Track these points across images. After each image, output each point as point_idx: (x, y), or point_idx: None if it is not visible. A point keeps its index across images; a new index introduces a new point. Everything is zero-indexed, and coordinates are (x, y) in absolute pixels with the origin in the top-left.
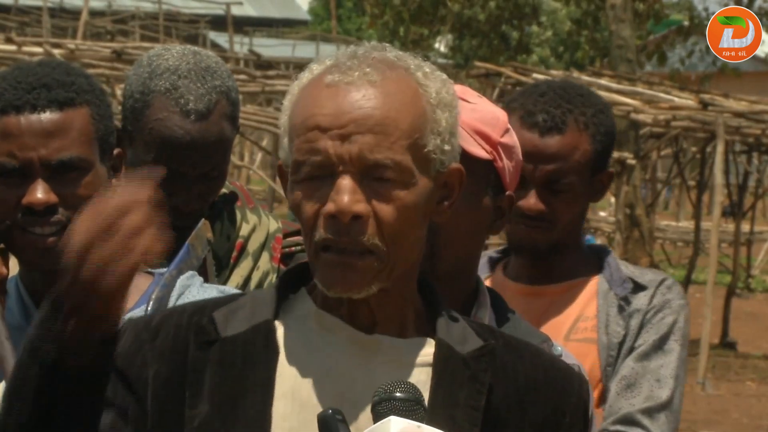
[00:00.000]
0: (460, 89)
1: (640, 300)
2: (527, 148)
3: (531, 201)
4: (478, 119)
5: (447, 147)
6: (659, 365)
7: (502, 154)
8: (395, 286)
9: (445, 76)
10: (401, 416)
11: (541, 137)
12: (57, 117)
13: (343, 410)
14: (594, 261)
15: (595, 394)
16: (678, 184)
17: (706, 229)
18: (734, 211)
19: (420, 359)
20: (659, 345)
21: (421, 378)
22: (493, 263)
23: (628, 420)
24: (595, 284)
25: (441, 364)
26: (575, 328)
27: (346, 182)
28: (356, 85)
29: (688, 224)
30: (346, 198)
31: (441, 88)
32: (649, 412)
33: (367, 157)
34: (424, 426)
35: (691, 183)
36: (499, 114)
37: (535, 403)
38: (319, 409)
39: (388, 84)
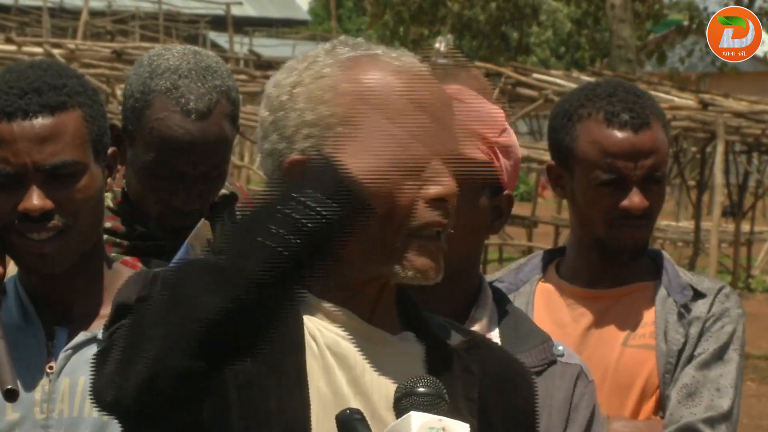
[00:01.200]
0: (456, 89)
1: (700, 308)
2: (625, 147)
3: (636, 199)
4: (474, 119)
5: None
6: (719, 374)
7: (500, 154)
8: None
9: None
10: (423, 411)
11: (636, 134)
12: (49, 122)
13: (358, 398)
14: (651, 266)
15: (651, 402)
16: (678, 184)
17: (706, 229)
18: (734, 211)
19: (414, 352)
20: (719, 354)
21: (416, 371)
22: (543, 265)
23: (690, 429)
24: (653, 290)
25: (434, 355)
26: (633, 335)
27: (441, 165)
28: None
29: (688, 224)
30: (449, 180)
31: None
32: (711, 422)
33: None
34: (445, 419)
35: (691, 183)
36: (496, 113)
37: (511, 392)
38: (339, 397)
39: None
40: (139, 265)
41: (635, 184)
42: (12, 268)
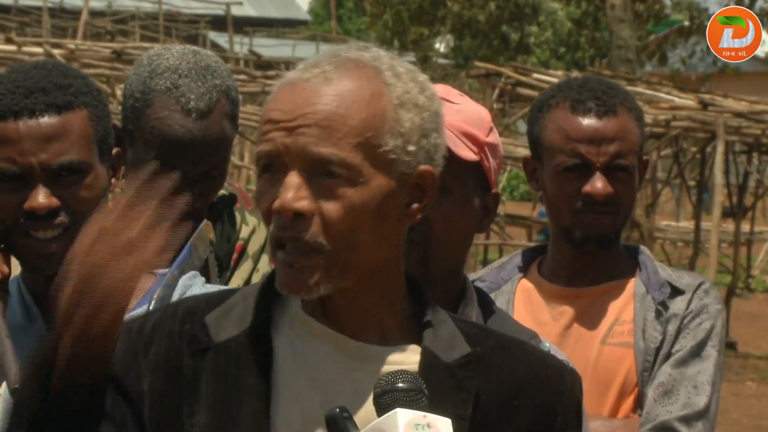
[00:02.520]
0: (442, 89)
1: (678, 305)
2: (587, 133)
3: (598, 185)
4: (463, 120)
5: (412, 148)
6: (696, 371)
7: (488, 154)
8: (366, 288)
9: (424, 77)
10: (405, 407)
11: (599, 120)
12: (55, 121)
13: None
14: (630, 262)
15: (630, 400)
16: (678, 184)
17: (706, 229)
18: (734, 210)
19: (405, 367)
20: (697, 351)
21: None
22: (525, 263)
23: (665, 428)
24: (632, 287)
25: (426, 373)
26: (612, 332)
27: (291, 179)
28: (311, 82)
29: (688, 224)
30: (289, 194)
31: (412, 88)
32: (687, 420)
33: (311, 150)
34: (429, 415)
35: (691, 183)
36: (483, 113)
37: (525, 405)
38: (309, 417)
39: (345, 82)
40: None
41: (599, 170)
42: (15, 268)
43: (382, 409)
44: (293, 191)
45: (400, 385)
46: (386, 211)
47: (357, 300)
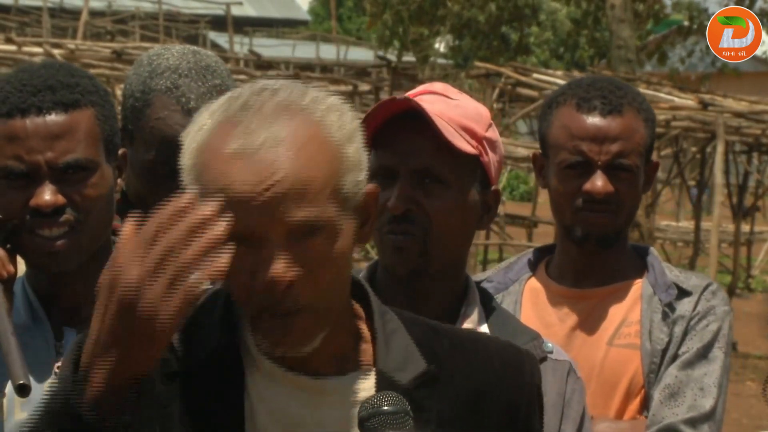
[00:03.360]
0: (441, 87)
1: (685, 306)
2: (590, 131)
3: (599, 183)
4: (462, 115)
5: (360, 176)
6: (703, 374)
7: (488, 149)
8: (323, 328)
9: (336, 100)
10: (392, 430)
11: (603, 118)
12: (63, 119)
13: None
14: (638, 262)
15: (637, 401)
16: (678, 184)
17: (706, 229)
18: (741, 211)
19: (363, 394)
20: (703, 353)
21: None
22: (533, 263)
23: (671, 430)
24: (639, 288)
25: None
26: (619, 334)
27: (275, 250)
28: (263, 150)
29: (688, 224)
30: (278, 268)
31: (339, 118)
32: (693, 422)
33: (291, 219)
34: None
35: (691, 183)
36: (482, 110)
37: (487, 406)
38: None
39: (295, 138)
40: None
41: (600, 168)
42: (20, 269)
43: None
44: (281, 263)
45: (386, 408)
46: (353, 245)
47: (325, 339)
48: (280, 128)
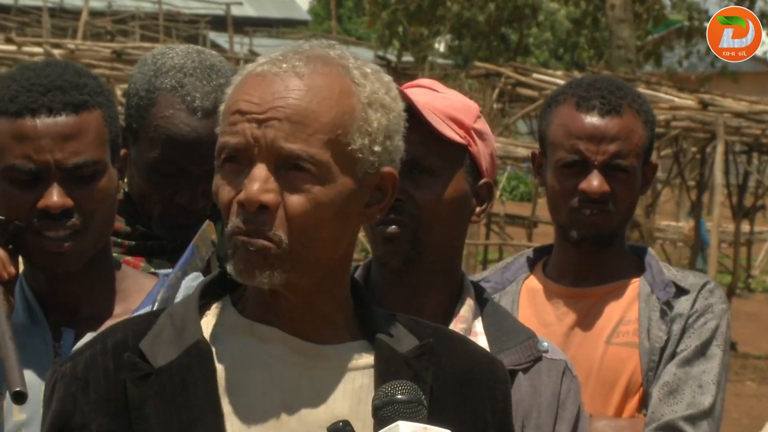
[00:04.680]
0: (428, 82)
1: (683, 304)
2: (588, 130)
3: (594, 183)
4: (449, 106)
5: (378, 148)
6: (701, 371)
7: (476, 139)
8: (321, 288)
9: (389, 78)
10: (405, 419)
11: (602, 118)
12: (73, 120)
13: (293, 420)
14: (635, 261)
15: (635, 399)
16: (678, 185)
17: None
18: (735, 211)
19: (361, 362)
20: (702, 350)
21: (364, 382)
22: (531, 263)
23: (670, 427)
24: (636, 286)
25: (383, 366)
26: (617, 332)
27: (258, 171)
28: (282, 75)
29: (688, 224)
30: (255, 186)
31: (379, 89)
32: (692, 419)
33: (282, 145)
34: (430, 427)
35: (691, 183)
36: (470, 102)
37: (470, 393)
38: (271, 422)
39: (316, 78)
40: (141, 264)
41: (597, 168)
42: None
43: (382, 421)
44: (260, 183)
45: (400, 396)
46: (347, 211)
47: (312, 300)
48: (305, 66)
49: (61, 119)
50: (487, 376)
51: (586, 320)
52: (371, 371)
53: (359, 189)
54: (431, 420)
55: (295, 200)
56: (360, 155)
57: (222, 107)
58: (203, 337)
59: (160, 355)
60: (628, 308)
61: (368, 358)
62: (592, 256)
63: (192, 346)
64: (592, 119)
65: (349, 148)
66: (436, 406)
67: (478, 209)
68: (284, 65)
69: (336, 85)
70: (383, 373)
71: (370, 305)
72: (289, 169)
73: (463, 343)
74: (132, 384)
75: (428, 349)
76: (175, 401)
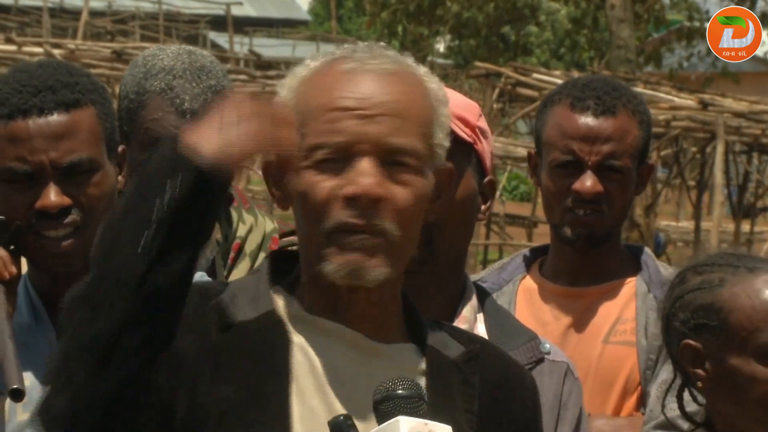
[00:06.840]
0: None
1: None
2: (582, 130)
3: (588, 183)
4: (454, 105)
5: (446, 143)
6: None
7: (481, 137)
8: (395, 284)
9: (437, 80)
10: (406, 414)
11: (596, 119)
12: (65, 119)
13: (351, 414)
14: (632, 261)
15: (633, 398)
16: (678, 185)
17: (706, 229)
18: (735, 211)
19: (414, 365)
20: None
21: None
22: (527, 263)
23: (669, 426)
24: (633, 285)
25: (434, 370)
26: (614, 331)
27: (366, 165)
28: (376, 72)
29: (688, 224)
30: (368, 180)
31: (439, 88)
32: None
33: (389, 140)
34: (430, 423)
35: (691, 183)
36: (471, 101)
37: (505, 397)
38: (327, 413)
39: (405, 75)
40: None
41: (590, 168)
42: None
43: (382, 416)
44: (372, 177)
45: (400, 392)
46: (426, 204)
47: (380, 297)
48: (392, 64)
49: (53, 118)
50: (519, 384)
51: (583, 320)
52: (420, 374)
53: (432, 186)
54: (481, 424)
55: (401, 192)
56: (439, 150)
57: (299, 108)
58: (273, 308)
59: (239, 313)
60: (625, 307)
61: (420, 361)
62: (587, 256)
63: (268, 313)
64: (587, 119)
65: (433, 141)
66: (482, 411)
67: (483, 207)
68: (372, 62)
69: (418, 82)
70: (435, 377)
71: (415, 308)
72: (390, 164)
73: (496, 350)
74: (217, 329)
75: (475, 354)
76: (251, 359)
